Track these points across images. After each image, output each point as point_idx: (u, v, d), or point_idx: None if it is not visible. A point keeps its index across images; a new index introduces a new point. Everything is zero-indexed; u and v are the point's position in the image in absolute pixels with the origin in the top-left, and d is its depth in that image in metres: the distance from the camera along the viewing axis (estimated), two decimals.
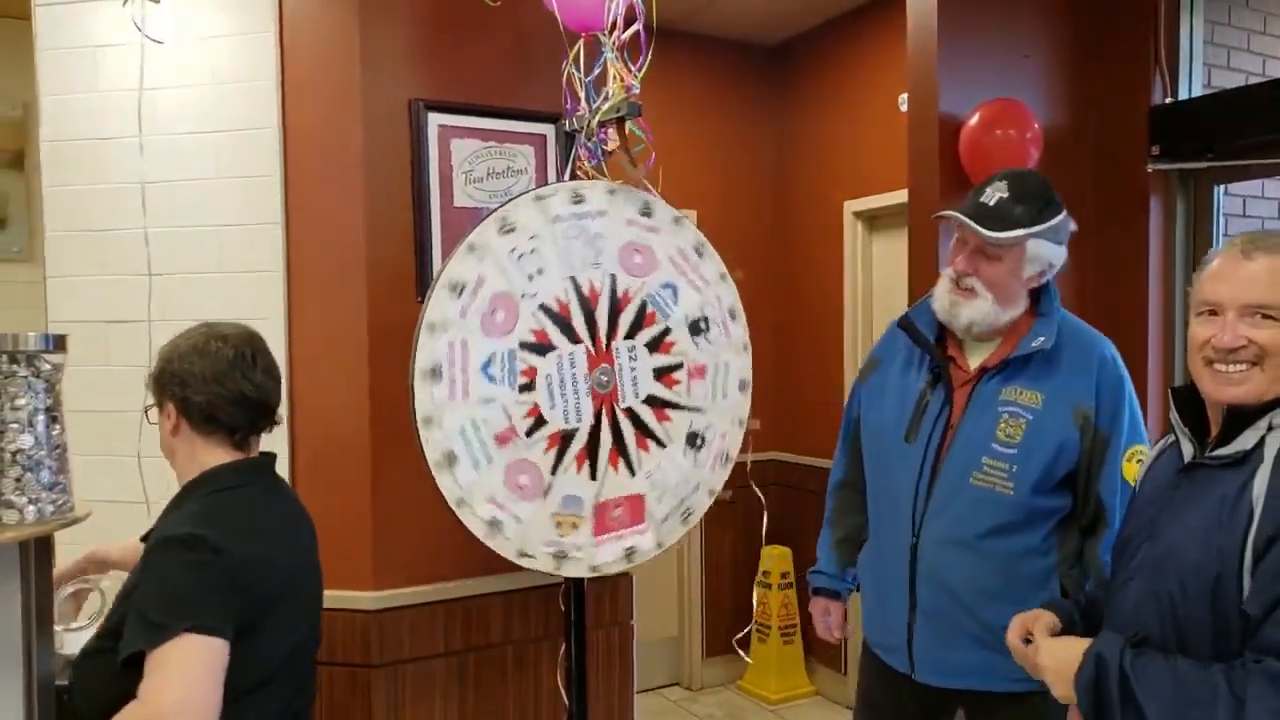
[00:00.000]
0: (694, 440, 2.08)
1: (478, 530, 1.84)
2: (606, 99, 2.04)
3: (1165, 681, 1.21)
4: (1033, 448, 1.74)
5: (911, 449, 1.84)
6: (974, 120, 2.82)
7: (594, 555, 1.96)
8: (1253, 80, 3.13)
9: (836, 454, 2.13)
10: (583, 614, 2.15)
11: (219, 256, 2.18)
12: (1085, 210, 1.78)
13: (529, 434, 1.89)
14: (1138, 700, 1.22)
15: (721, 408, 2.13)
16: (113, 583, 1.77)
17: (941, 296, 1.86)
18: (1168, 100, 2.95)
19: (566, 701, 2.20)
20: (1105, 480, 1.75)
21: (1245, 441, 1.27)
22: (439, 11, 2.20)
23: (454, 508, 1.83)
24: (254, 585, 1.45)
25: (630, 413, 2.00)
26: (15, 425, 1.75)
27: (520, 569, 1.94)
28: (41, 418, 1.77)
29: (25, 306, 3.17)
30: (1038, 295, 1.85)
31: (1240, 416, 1.29)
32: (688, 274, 2.09)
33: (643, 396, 2.02)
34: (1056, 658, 1.36)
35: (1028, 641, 1.47)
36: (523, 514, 1.88)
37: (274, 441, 2.14)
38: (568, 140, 2.18)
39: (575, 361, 1.95)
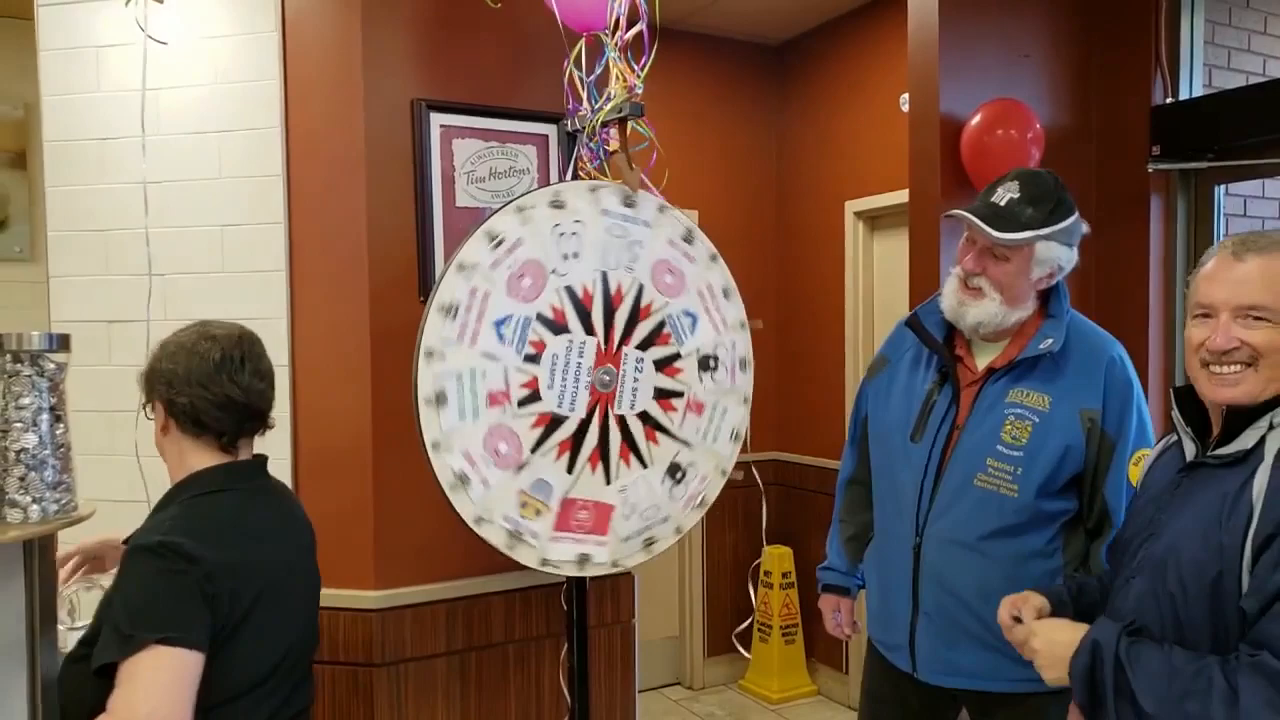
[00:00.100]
0: (675, 472, 2.07)
1: (444, 479, 1.82)
2: (609, 99, 2.05)
3: (1160, 671, 1.22)
4: (1038, 450, 1.73)
5: (917, 448, 1.84)
6: (976, 120, 2.83)
7: (548, 549, 1.93)
8: (1253, 80, 3.14)
9: (845, 451, 2.13)
10: (584, 613, 2.16)
11: (222, 256, 2.19)
12: (1086, 210, 1.79)
13: (520, 404, 1.89)
14: (1132, 688, 1.22)
15: (709, 451, 2.11)
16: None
17: (949, 296, 1.84)
18: (1168, 100, 2.96)
19: (568, 700, 2.20)
20: (1111, 483, 1.74)
21: (1246, 440, 1.27)
22: (441, 12, 2.21)
23: (428, 448, 1.81)
24: (231, 594, 1.41)
25: (622, 421, 2.00)
26: (19, 424, 1.75)
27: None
28: (45, 417, 1.77)
29: (28, 306, 3.17)
30: (1047, 296, 1.84)
31: (1241, 416, 1.29)
32: (710, 310, 2.11)
33: (638, 410, 2.02)
34: (1050, 640, 1.36)
35: (1018, 623, 1.47)
36: (492, 480, 1.86)
37: (276, 441, 2.16)
38: (570, 140, 2.18)
39: (584, 352, 1.96)
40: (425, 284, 2.15)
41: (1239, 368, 1.28)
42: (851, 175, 4.01)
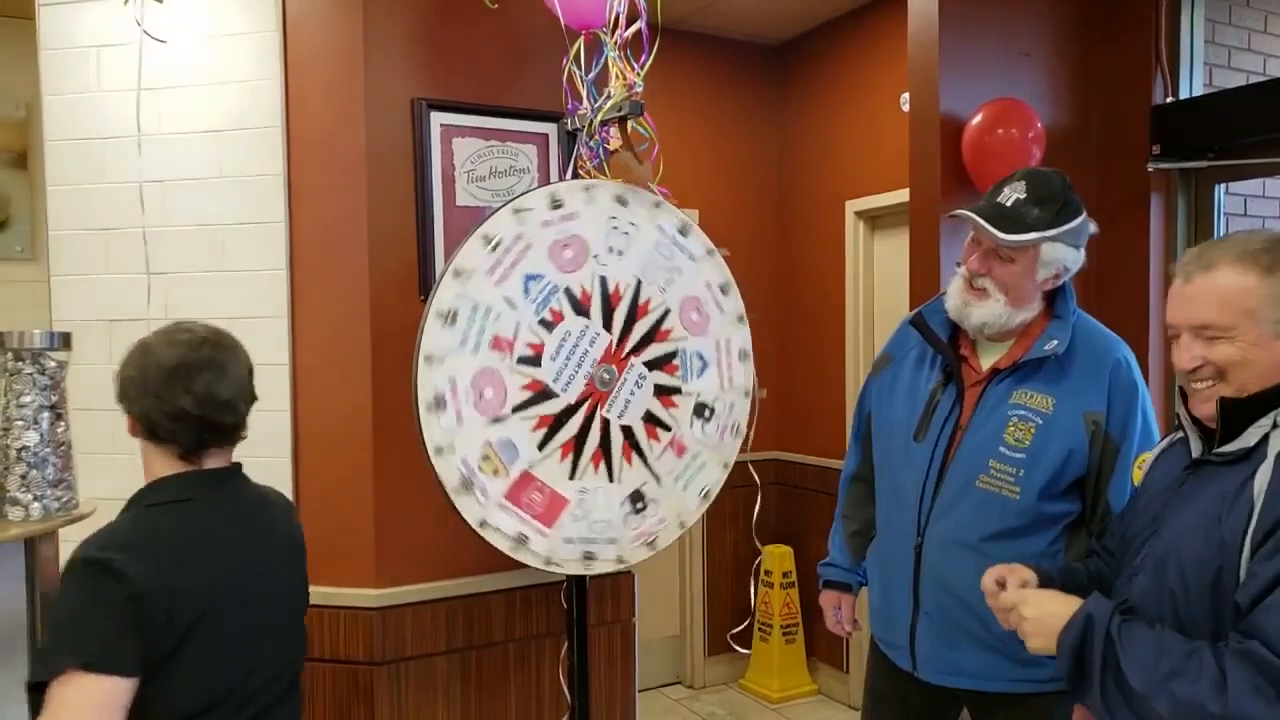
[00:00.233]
0: (637, 500, 2.03)
1: (424, 395, 1.81)
2: (609, 98, 2.05)
3: (1150, 650, 1.22)
4: (1041, 452, 1.72)
5: (920, 448, 1.83)
6: (977, 119, 2.83)
7: (491, 513, 1.88)
8: (1253, 79, 3.14)
9: (849, 447, 2.13)
10: (585, 612, 2.16)
11: (222, 255, 2.19)
12: (1087, 209, 1.79)
13: (519, 361, 1.90)
14: (1120, 665, 1.22)
15: (675, 495, 2.08)
16: None
17: (954, 295, 1.82)
18: (1169, 99, 2.96)
19: (569, 699, 2.21)
20: (1115, 486, 1.72)
21: (1248, 438, 1.27)
22: (442, 11, 2.21)
23: (422, 359, 1.81)
24: (166, 615, 1.31)
25: (606, 425, 1.99)
26: (20, 422, 1.76)
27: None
28: (46, 415, 1.78)
29: (29, 305, 3.17)
30: (1053, 296, 1.82)
31: (1240, 414, 1.29)
32: (722, 365, 2.12)
33: (625, 422, 2.01)
34: (1042, 611, 1.35)
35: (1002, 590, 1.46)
36: (466, 418, 1.85)
37: (277, 440, 2.17)
38: (570, 139, 2.19)
39: (595, 343, 1.97)
40: (426, 283, 2.16)
41: (1210, 382, 1.31)
42: (852, 175, 4.01)
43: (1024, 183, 1.76)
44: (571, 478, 1.95)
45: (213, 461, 1.47)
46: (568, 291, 1.95)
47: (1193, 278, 1.31)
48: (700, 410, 2.09)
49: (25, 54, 2.37)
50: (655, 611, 4.16)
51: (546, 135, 2.28)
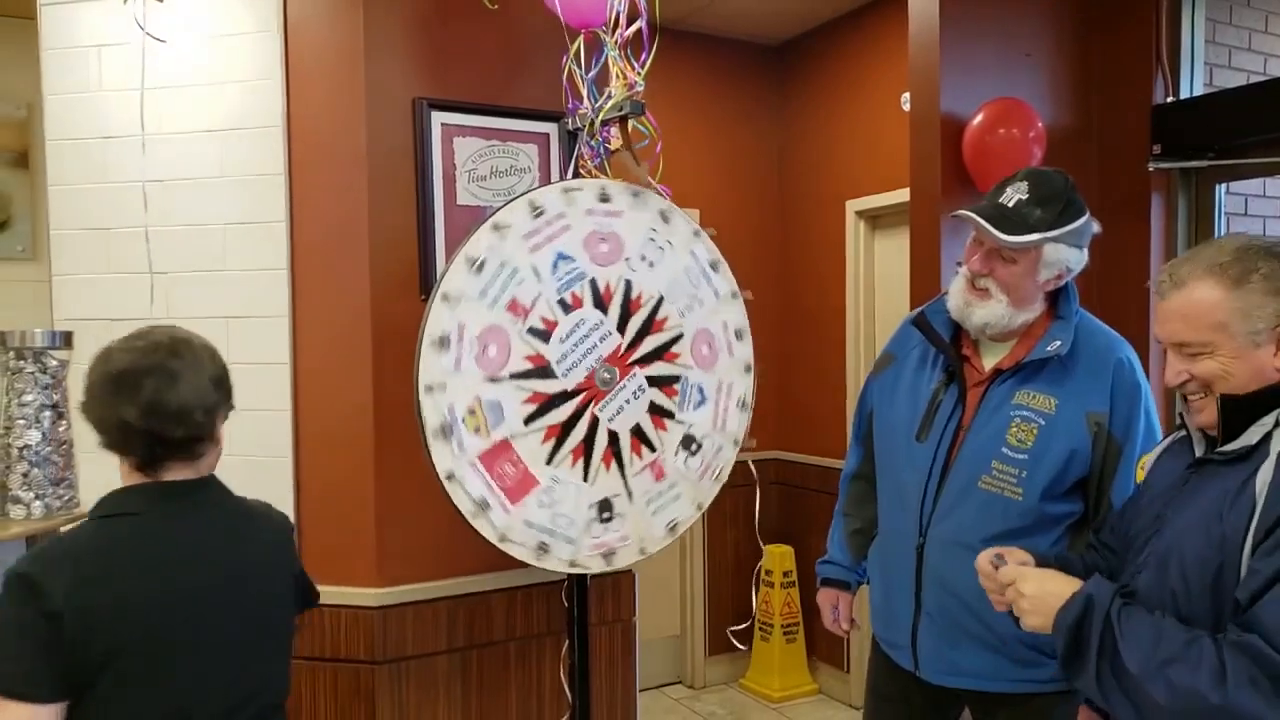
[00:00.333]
0: (605, 509, 2.00)
1: (431, 331, 1.81)
2: (609, 97, 2.05)
3: (1149, 635, 1.22)
4: (1044, 453, 1.71)
5: (922, 449, 1.83)
6: (979, 119, 2.83)
7: (461, 468, 1.85)
8: (1254, 79, 3.14)
9: (850, 446, 2.12)
10: (585, 611, 2.16)
11: (224, 255, 2.19)
12: (1088, 209, 1.79)
13: (529, 332, 1.90)
14: (1118, 647, 1.22)
15: (643, 518, 2.05)
16: None
17: (956, 295, 1.82)
18: (1169, 99, 2.96)
19: (569, 698, 2.21)
20: (1118, 487, 1.72)
21: (1250, 437, 1.28)
22: (442, 11, 2.21)
23: (439, 296, 1.83)
24: (89, 633, 1.23)
25: (594, 423, 1.98)
26: (22, 421, 1.76)
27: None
28: (48, 414, 1.79)
29: (31, 305, 3.18)
30: (1056, 296, 1.81)
31: (1240, 413, 1.29)
32: (721, 403, 2.13)
33: (613, 426, 2.00)
34: (1042, 589, 1.35)
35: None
36: (464, 367, 1.85)
37: (279, 440, 2.17)
38: (571, 139, 2.19)
39: (604, 340, 1.98)
40: (427, 282, 2.16)
41: (1199, 395, 1.32)
42: (852, 175, 4.02)
43: (1026, 183, 1.75)
44: (548, 462, 1.93)
45: (174, 474, 1.36)
46: (593, 282, 1.97)
47: (1167, 295, 1.32)
48: (688, 442, 2.08)
49: (26, 54, 2.37)
50: (656, 611, 4.16)
51: (547, 135, 2.29)
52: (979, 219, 1.72)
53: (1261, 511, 1.21)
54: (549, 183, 2.16)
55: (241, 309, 2.18)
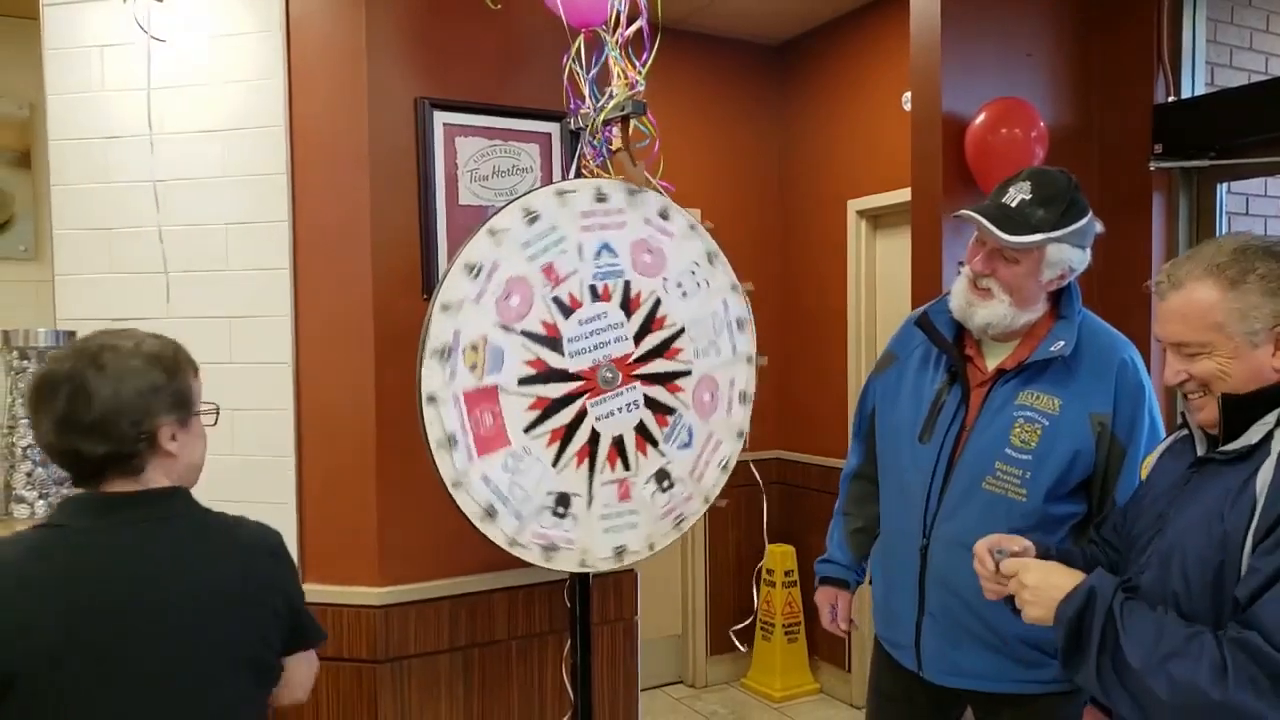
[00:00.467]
0: (561, 503, 1.94)
1: (468, 257, 1.83)
2: (611, 97, 2.05)
3: (1151, 630, 1.22)
4: (1048, 454, 1.71)
5: (925, 449, 1.83)
6: (980, 119, 2.83)
7: (444, 397, 1.82)
8: (1255, 78, 3.14)
9: (851, 445, 2.12)
10: (587, 610, 2.16)
11: (225, 254, 2.19)
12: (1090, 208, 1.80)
13: (554, 302, 1.92)
14: (1119, 640, 1.23)
15: (593, 532, 1.98)
16: None
17: (958, 295, 1.81)
18: (1170, 99, 2.96)
19: (571, 697, 2.21)
20: (1122, 487, 1.71)
21: (1251, 436, 1.28)
22: (444, 10, 2.21)
23: (486, 229, 1.86)
24: None
25: (582, 415, 1.96)
26: (26, 420, 1.77)
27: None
28: None
29: (32, 305, 3.18)
30: (1059, 296, 1.81)
31: (1240, 412, 1.30)
32: (704, 455, 2.11)
33: (598, 426, 1.97)
34: (1045, 581, 1.35)
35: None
36: (483, 303, 1.85)
37: (280, 439, 2.17)
38: (573, 139, 2.19)
39: (618, 342, 1.98)
40: (429, 282, 2.16)
41: (1198, 394, 1.33)
42: (854, 174, 4.02)
43: (1029, 183, 1.74)
44: (526, 430, 1.91)
45: (116, 486, 1.26)
46: (627, 285, 2.00)
47: (1166, 295, 1.33)
48: (662, 476, 2.06)
49: (29, 54, 2.37)
50: (657, 611, 4.16)
51: (549, 134, 2.29)
52: (982, 219, 1.72)
53: (1262, 510, 1.21)
54: (550, 183, 2.16)
55: (243, 308, 2.18)
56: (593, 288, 1.96)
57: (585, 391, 1.96)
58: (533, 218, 1.89)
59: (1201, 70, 3.01)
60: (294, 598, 1.40)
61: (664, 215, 2.05)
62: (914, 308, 2.18)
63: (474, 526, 1.84)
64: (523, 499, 1.90)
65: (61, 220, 2.25)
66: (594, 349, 1.96)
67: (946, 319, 1.86)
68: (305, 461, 2.20)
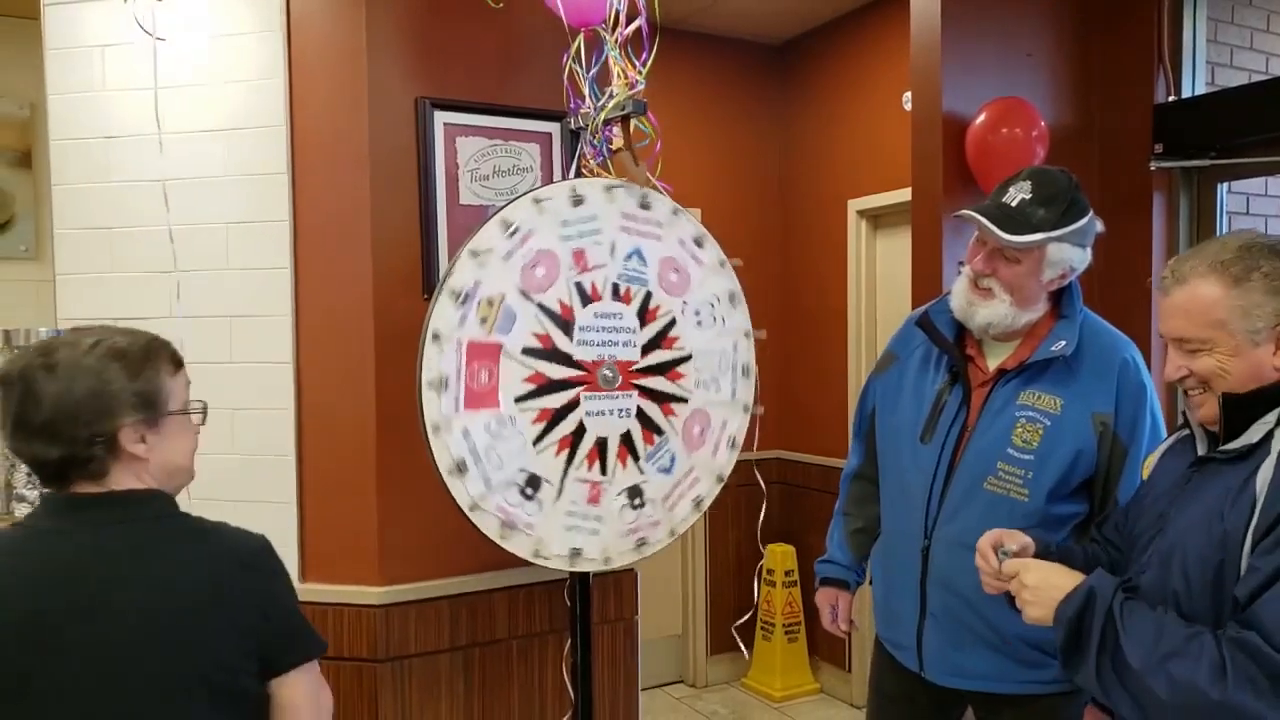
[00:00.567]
0: (532, 484, 1.90)
1: (509, 216, 1.88)
2: (611, 96, 2.05)
3: (1150, 630, 1.22)
4: (1050, 454, 1.71)
5: (927, 450, 1.82)
6: (981, 119, 2.83)
7: (449, 339, 1.82)
8: (1255, 78, 3.14)
9: (851, 444, 2.12)
10: (588, 610, 2.16)
11: (226, 254, 2.19)
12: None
13: (574, 285, 1.94)
14: (1119, 640, 1.23)
15: (554, 527, 1.94)
16: None
17: (959, 295, 1.81)
18: (1171, 98, 2.96)
19: (571, 696, 2.21)
20: (1124, 487, 1.71)
21: (1252, 435, 1.28)
22: (444, 10, 2.22)
23: (532, 199, 1.88)
24: None
25: (572, 405, 1.95)
26: None
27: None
28: None
29: (33, 305, 3.19)
30: (1060, 296, 1.80)
31: (1241, 412, 1.30)
32: (680, 485, 2.09)
33: (584, 422, 1.96)
34: (1045, 581, 1.35)
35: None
36: (510, 264, 1.87)
37: (281, 439, 2.18)
38: (573, 138, 2.19)
39: (625, 346, 1.99)
40: (429, 281, 2.16)
41: (1198, 390, 1.33)
42: (854, 174, 4.02)
43: (1030, 182, 1.74)
44: (517, 400, 1.89)
45: (82, 488, 1.21)
46: (648, 296, 2.02)
47: (1169, 290, 1.33)
48: (635, 493, 2.02)
49: (29, 53, 2.38)
50: (658, 610, 4.16)
51: (549, 134, 2.29)
52: (982, 219, 1.72)
53: (1261, 510, 1.21)
54: (550, 182, 2.16)
55: (244, 308, 2.19)
56: (615, 286, 1.97)
57: (584, 383, 1.95)
58: (578, 200, 1.93)
59: (1202, 70, 3.01)
60: (273, 611, 1.26)
61: (699, 243, 2.08)
62: (914, 308, 2.18)
63: (441, 479, 1.82)
64: (495, 466, 1.87)
65: (62, 220, 2.25)
66: (601, 345, 1.96)
67: (947, 319, 1.86)
68: (305, 461, 2.20)
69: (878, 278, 4.03)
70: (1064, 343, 1.73)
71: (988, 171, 2.79)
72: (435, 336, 1.80)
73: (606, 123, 2.07)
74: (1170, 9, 2.94)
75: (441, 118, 2.18)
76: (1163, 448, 1.53)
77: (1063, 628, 1.29)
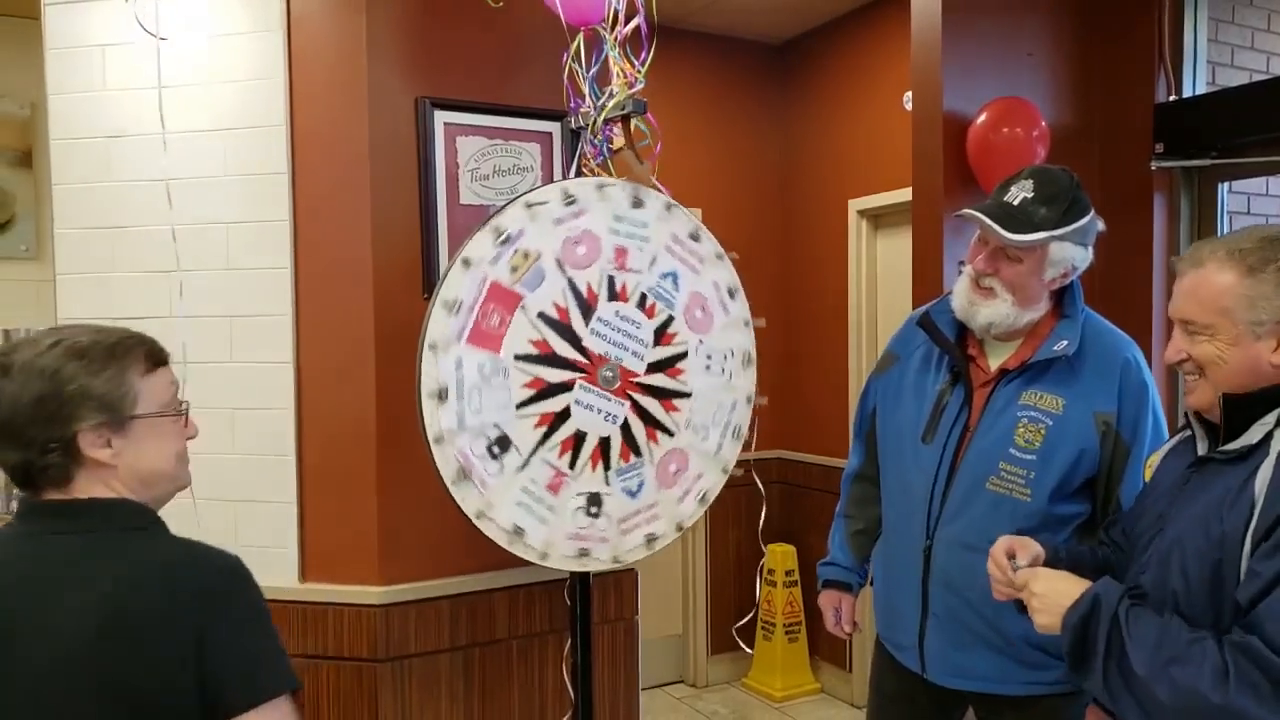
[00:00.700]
0: (502, 446, 1.88)
1: (570, 187, 1.92)
2: (611, 96, 2.05)
3: (1154, 634, 1.22)
4: (1052, 454, 1.71)
5: (928, 450, 1.82)
6: (982, 118, 2.83)
7: (469, 289, 1.83)
8: (1256, 78, 3.13)
9: (852, 445, 2.12)
10: (588, 609, 2.16)
11: (226, 253, 2.19)
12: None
13: (606, 280, 1.96)
14: (1124, 646, 1.23)
15: (505, 492, 1.90)
16: None
17: (960, 295, 1.81)
18: (1171, 98, 2.96)
19: (572, 696, 2.21)
20: (1127, 487, 1.71)
21: (1251, 436, 1.28)
22: (444, 10, 2.22)
23: (598, 183, 1.93)
24: None
25: (564, 387, 1.94)
26: None
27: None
28: None
29: (34, 304, 3.19)
30: (1061, 295, 1.80)
31: (1240, 412, 1.29)
32: (639, 519, 2.06)
33: (570, 410, 1.95)
34: (1052, 588, 1.35)
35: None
36: (559, 231, 1.92)
37: (281, 439, 2.17)
38: (573, 138, 2.19)
39: (633, 355, 1.99)
40: (430, 281, 2.16)
41: (1194, 376, 1.33)
42: (855, 174, 4.02)
43: (1031, 181, 1.74)
44: (517, 358, 1.88)
45: (50, 494, 1.16)
46: (669, 320, 2.04)
47: (1184, 273, 1.33)
48: (593, 501, 1.98)
49: (30, 53, 2.38)
50: (658, 610, 4.16)
51: (550, 134, 2.29)
52: (984, 218, 1.72)
53: (1261, 511, 1.21)
54: (550, 182, 2.16)
55: (245, 308, 2.19)
56: (643, 296, 1.99)
57: (585, 372, 1.95)
58: (637, 203, 1.98)
59: (1203, 69, 3.01)
60: (223, 641, 1.10)
61: (732, 294, 2.12)
62: (915, 307, 2.17)
63: (419, 404, 1.80)
64: (474, 410, 1.85)
65: (63, 220, 2.25)
66: (612, 344, 1.97)
67: (949, 319, 1.85)
68: (305, 460, 2.20)
69: (878, 277, 4.03)
70: (1066, 342, 1.73)
71: (988, 171, 2.79)
72: (466, 262, 1.83)
73: (607, 122, 2.07)
74: (1171, 9, 2.94)
75: (441, 117, 2.18)
76: (1165, 448, 1.52)
77: (1069, 634, 1.29)
